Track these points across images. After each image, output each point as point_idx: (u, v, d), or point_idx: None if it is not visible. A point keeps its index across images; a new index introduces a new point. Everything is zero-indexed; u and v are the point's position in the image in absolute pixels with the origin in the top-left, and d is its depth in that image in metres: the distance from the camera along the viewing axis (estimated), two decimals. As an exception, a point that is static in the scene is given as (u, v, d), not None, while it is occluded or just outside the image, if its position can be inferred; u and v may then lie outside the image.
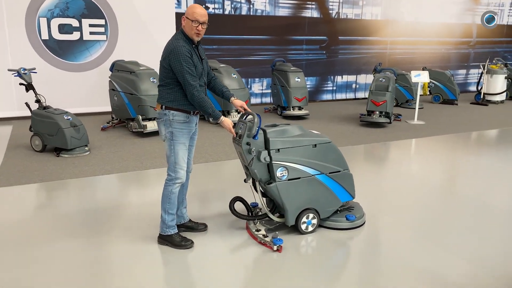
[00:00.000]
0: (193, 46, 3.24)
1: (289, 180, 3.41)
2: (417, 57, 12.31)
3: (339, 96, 11.46)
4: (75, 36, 8.33)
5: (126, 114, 7.20)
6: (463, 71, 13.29)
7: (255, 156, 3.30)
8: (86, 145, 6.02)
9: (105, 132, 7.25)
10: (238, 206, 3.64)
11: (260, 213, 3.73)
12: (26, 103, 6.12)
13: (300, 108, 8.75)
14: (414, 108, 9.97)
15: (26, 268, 3.07)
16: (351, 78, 11.50)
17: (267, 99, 10.51)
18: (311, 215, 3.54)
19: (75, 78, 8.44)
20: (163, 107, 3.24)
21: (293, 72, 8.64)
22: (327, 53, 11.00)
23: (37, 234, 3.58)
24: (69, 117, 5.92)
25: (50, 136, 5.84)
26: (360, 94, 11.73)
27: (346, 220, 3.67)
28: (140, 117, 6.88)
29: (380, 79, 8.14)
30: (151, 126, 6.90)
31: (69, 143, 5.76)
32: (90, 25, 8.40)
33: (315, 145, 3.48)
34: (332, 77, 11.26)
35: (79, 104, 8.48)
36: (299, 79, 8.62)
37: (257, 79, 10.35)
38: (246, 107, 3.46)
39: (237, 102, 3.45)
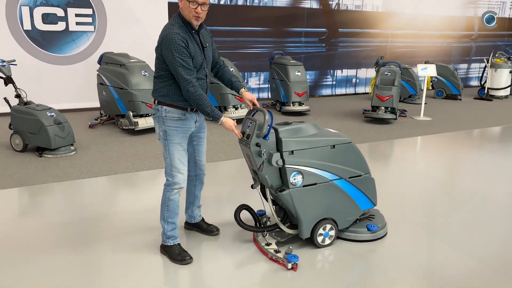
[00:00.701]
0: (193, 32, 2.78)
1: (304, 186, 2.97)
2: (418, 50, 11.92)
3: (338, 91, 11.03)
4: (60, 26, 7.77)
5: (116, 110, 6.69)
6: (465, 65, 12.93)
7: (266, 159, 2.84)
8: (71, 144, 5.51)
9: (93, 130, 6.74)
10: (244, 215, 3.19)
11: (269, 223, 3.27)
12: (5, 98, 5.59)
13: (300, 104, 8.30)
14: (418, 104, 9.64)
15: (5, 286, 2.59)
16: (351, 72, 11.06)
17: (265, 95, 10.04)
18: (328, 226, 3.10)
19: (60, 71, 7.89)
20: (156, 101, 2.86)
21: (293, 65, 8.19)
22: (326, 46, 10.55)
23: (16, 246, 3.09)
24: (52, 113, 5.40)
25: (32, 134, 5.32)
26: (360, 89, 11.31)
27: (367, 230, 3.23)
28: (131, 113, 6.38)
29: (386, 73, 7.72)
30: (143, 123, 6.40)
31: (53, 142, 5.24)
32: (77, 15, 7.85)
33: (334, 145, 3.03)
34: (331, 71, 10.82)
35: (64, 99, 7.94)
36: (299, 73, 8.16)
37: (253, 73, 9.88)
38: (256, 101, 3.01)
39: (247, 95, 3.01)
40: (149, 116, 6.55)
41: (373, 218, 3.39)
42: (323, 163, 3.01)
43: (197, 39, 2.82)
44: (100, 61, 7.09)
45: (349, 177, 3.14)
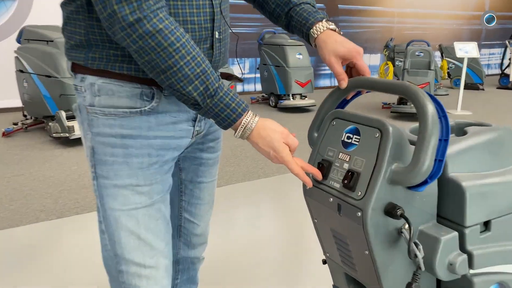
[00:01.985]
0: None
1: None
2: (427, 33, 10.17)
3: (338, 81, 9.10)
4: (-36, -9, 5.47)
5: (43, 109, 4.49)
6: (474, 51, 11.33)
7: (421, 260, 0.81)
8: (-44, 167, 3.31)
9: (7, 140, 4.50)
10: None
11: None
12: None
13: (303, 97, 6.31)
14: (440, 95, 7.97)
15: None
16: (352, 58, 9.16)
17: (251, 87, 8.00)
18: None
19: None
20: (70, 65, 0.91)
21: (293, 46, 6.19)
22: (324, 26, 8.60)
23: None
24: None
25: None
26: (363, 79, 9.44)
27: None
28: (64, 113, 4.20)
29: (417, 53, 5.86)
30: (83, 128, 4.23)
31: None
32: (-11, -24, 5.57)
33: None
34: (330, 57, 8.87)
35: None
36: (301, 56, 6.18)
37: (236, 60, 7.79)
38: (363, 64, 1.00)
39: (338, 42, 0.99)
40: (92, 117, 4.39)
41: None
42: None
43: None
44: (19, 39, 4.87)
45: None
